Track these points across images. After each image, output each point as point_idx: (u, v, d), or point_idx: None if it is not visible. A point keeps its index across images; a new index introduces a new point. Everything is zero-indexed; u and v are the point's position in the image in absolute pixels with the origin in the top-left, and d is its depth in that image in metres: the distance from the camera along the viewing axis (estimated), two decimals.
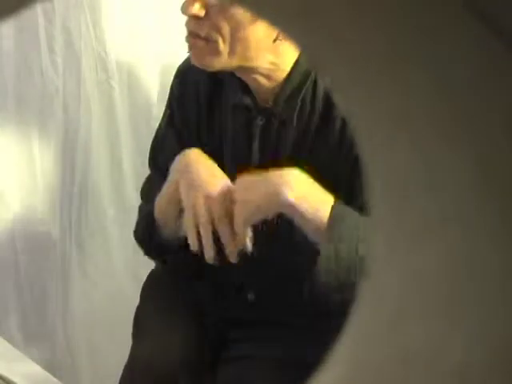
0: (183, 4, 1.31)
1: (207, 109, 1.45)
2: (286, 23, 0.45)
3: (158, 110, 2.00)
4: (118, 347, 1.60)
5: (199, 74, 1.43)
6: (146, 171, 2.11)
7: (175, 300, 1.54)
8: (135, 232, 1.53)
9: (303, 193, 1.23)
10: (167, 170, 1.36)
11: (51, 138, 2.00)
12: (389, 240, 0.47)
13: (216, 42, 1.30)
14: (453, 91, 0.39)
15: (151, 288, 1.60)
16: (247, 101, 1.41)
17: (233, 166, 1.39)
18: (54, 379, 1.50)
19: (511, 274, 0.39)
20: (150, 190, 1.50)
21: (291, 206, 1.23)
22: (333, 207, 1.24)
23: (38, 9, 1.89)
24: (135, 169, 2.09)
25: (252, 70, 1.36)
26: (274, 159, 1.38)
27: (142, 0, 2.03)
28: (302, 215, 1.23)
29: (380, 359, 0.45)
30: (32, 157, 1.99)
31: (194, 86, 1.46)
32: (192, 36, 1.33)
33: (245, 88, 1.41)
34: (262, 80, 1.38)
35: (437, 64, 0.38)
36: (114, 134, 2.06)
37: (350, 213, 1.26)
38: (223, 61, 1.32)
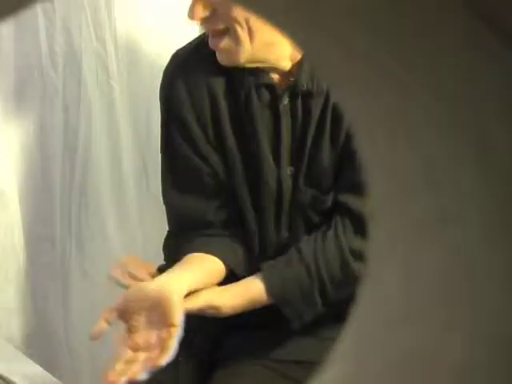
0: (188, 11, 1.31)
1: (225, 99, 1.41)
2: (285, 21, 0.45)
3: (158, 111, 2.00)
4: None
5: (205, 62, 1.40)
6: (145, 171, 2.11)
7: None
8: None
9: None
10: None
11: (51, 138, 2.00)
12: (389, 240, 0.47)
13: (235, 30, 1.29)
14: (452, 90, 0.39)
15: None
16: (268, 80, 1.39)
17: (267, 149, 1.38)
18: (54, 379, 1.50)
19: (511, 274, 0.39)
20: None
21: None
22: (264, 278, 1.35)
23: (38, 9, 1.89)
24: (135, 169, 2.08)
25: (276, 59, 1.35)
26: (302, 135, 1.37)
27: (143, 0, 2.03)
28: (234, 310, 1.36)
29: (380, 359, 0.45)
30: (32, 157, 1.99)
31: (203, 74, 1.42)
32: (213, 36, 1.33)
33: (260, 68, 1.38)
34: (285, 62, 1.37)
35: (436, 63, 0.38)
36: (114, 134, 2.06)
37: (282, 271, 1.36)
38: (247, 49, 1.31)
